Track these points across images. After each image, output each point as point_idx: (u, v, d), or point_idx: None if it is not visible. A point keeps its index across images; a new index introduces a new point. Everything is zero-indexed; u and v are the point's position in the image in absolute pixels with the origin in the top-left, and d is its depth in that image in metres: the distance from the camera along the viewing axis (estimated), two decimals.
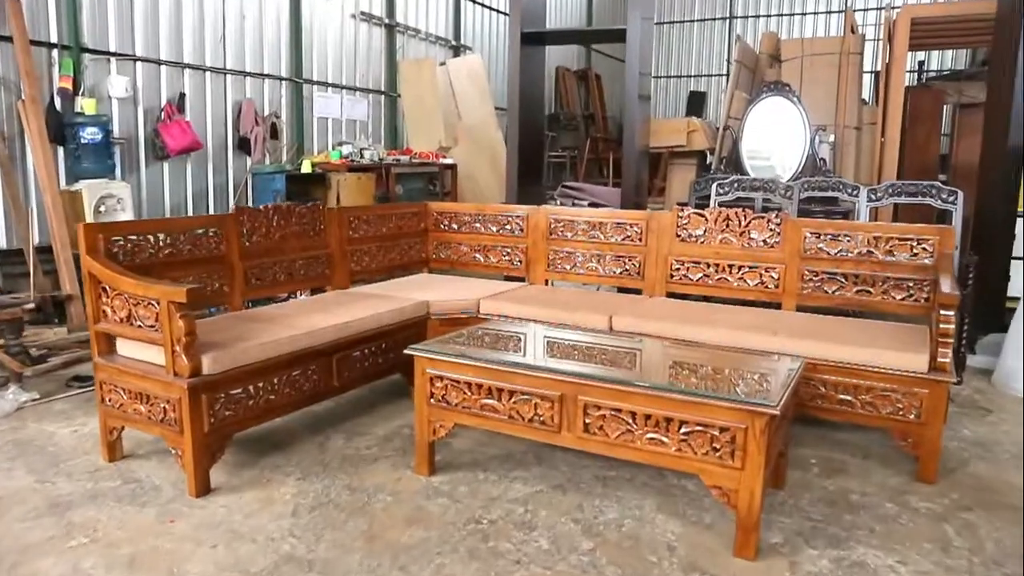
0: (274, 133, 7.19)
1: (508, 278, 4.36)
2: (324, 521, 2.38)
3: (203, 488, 2.56)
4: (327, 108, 7.97)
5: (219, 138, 6.64)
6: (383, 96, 8.79)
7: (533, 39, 5.46)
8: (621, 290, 4.15)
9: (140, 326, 2.58)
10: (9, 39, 4.81)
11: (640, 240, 3.80)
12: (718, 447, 2.12)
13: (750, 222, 3.49)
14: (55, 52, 5.15)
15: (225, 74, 6.62)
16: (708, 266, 3.60)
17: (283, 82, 7.29)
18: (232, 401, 2.62)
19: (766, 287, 3.47)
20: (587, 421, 2.31)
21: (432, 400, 2.63)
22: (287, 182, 6.75)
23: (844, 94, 6.72)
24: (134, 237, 2.88)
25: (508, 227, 4.21)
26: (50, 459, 2.87)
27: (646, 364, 2.65)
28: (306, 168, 6.89)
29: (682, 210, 3.70)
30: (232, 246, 3.25)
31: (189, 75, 6.26)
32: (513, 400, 2.45)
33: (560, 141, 12.35)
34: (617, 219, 3.88)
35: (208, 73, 6.44)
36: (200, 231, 3.12)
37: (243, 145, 6.85)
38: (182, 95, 6.15)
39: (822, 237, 3.37)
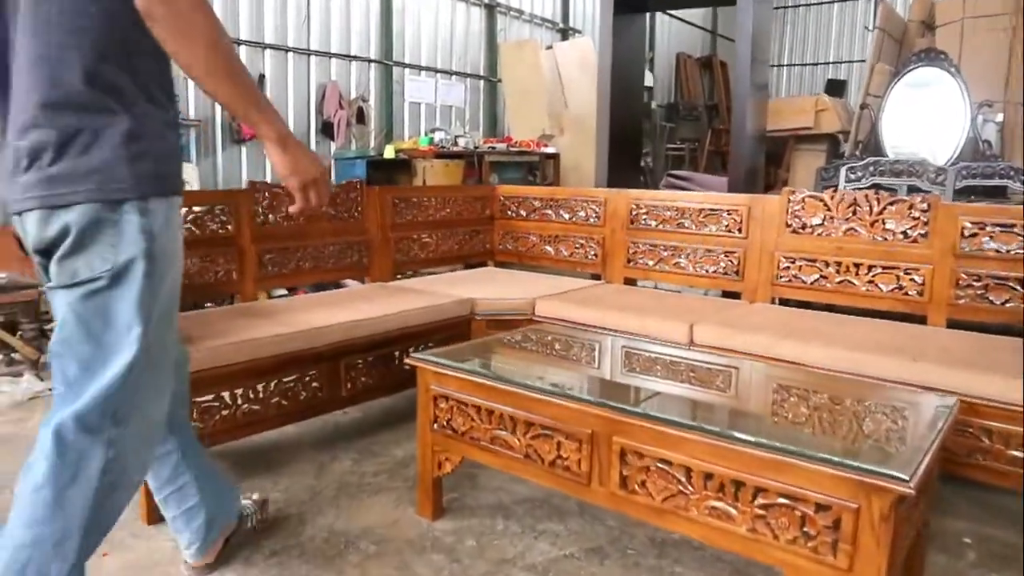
0: (361, 118, 6.87)
1: (594, 276, 3.69)
2: (278, 575, 1.84)
3: (156, 515, 2.09)
4: (419, 92, 7.58)
5: (301, 122, 6.38)
6: (482, 81, 8.32)
7: (629, 5, 4.76)
8: (725, 294, 3.40)
9: None
10: None
11: (740, 231, 3.03)
12: (812, 533, 1.39)
13: (885, 207, 2.65)
14: None
15: (309, 55, 6.35)
16: (827, 265, 2.79)
17: (372, 64, 6.95)
18: (200, 411, 2.15)
19: (905, 294, 2.62)
20: (624, 473, 1.64)
21: (436, 425, 2.04)
22: (369, 168, 6.41)
23: (1016, 64, 5.51)
24: None
25: (582, 213, 3.55)
26: (21, 460, 2.53)
27: (717, 396, 1.93)
28: (389, 154, 6.51)
29: (794, 193, 2.90)
30: (243, 227, 2.80)
31: (270, 56, 6.02)
32: (530, 435, 1.82)
33: (679, 132, 11.43)
34: (711, 204, 3.13)
35: (290, 54, 6.18)
36: (202, 208, 2.69)
37: (326, 129, 6.57)
38: (261, 76, 5.92)
39: (987, 228, 2.48)
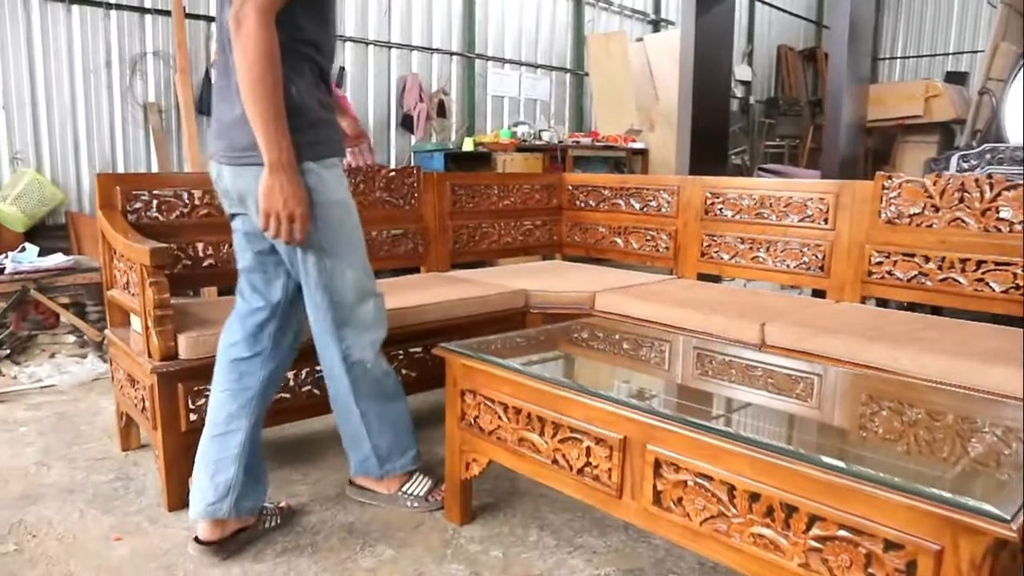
0: (442, 111, 6.80)
1: (665, 271, 3.43)
2: (282, 573, 1.72)
3: (178, 501, 2.02)
4: (503, 86, 7.45)
5: (381, 114, 6.37)
6: (568, 74, 8.10)
7: None
8: (815, 293, 3.06)
9: (133, 294, 2.12)
10: (168, 13, 4.81)
11: (825, 221, 2.70)
12: (879, 575, 1.12)
13: (999, 193, 2.27)
14: (212, 26, 5.10)
15: (390, 48, 6.33)
16: (927, 260, 2.43)
17: (453, 57, 6.87)
18: None
19: None
20: (659, 487, 1.41)
21: (463, 422, 1.87)
22: (448, 161, 6.33)
23: None
24: (162, 192, 2.45)
25: (654, 203, 3.29)
26: (71, 439, 2.55)
27: (775, 403, 1.66)
28: (467, 146, 6.41)
29: (889, 178, 2.55)
30: None
31: (350, 48, 6.03)
32: (558, 438, 1.61)
33: (779, 129, 10.82)
34: (793, 191, 2.81)
35: (371, 47, 6.18)
36: None
37: (406, 122, 6.54)
38: (341, 69, 5.94)
39: None
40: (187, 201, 2.48)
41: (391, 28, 6.30)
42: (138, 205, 2.39)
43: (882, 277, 2.54)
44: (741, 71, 10.26)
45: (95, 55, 4.63)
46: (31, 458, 2.40)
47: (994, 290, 2.27)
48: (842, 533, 1.15)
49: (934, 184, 2.43)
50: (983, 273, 2.29)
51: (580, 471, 1.56)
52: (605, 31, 8.15)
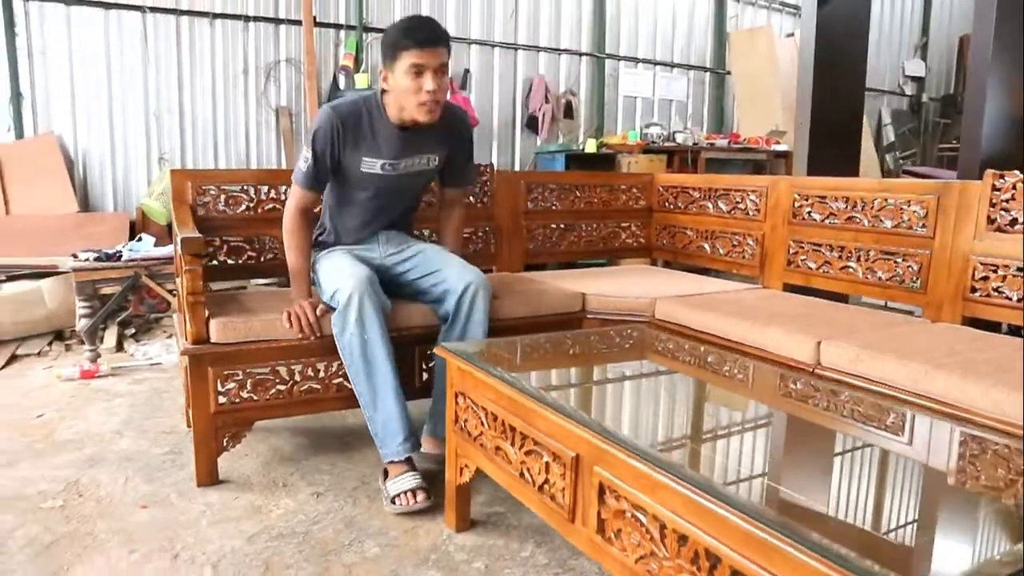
0: (569, 112, 6.74)
1: (751, 279, 3.16)
2: (266, 559, 1.75)
3: (206, 478, 2.14)
4: (635, 86, 7.25)
5: (506, 116, 6.42)
6: (707, 73, 7.73)
7: None
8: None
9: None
10: (299, 22, 5.14)
11: (923, 227, 2.34)
12: None
13: None
14: (342, 33, 5.39)
15: (516, 50, 6.36)
16: None
17: (583, 58, 6.78)
18: (255, 382, 2.14)
19: None
20: (602, 515, 1.27)
21: (456, 426, 1.81)
22: (570, 162, 6.26)
23: None
24: (229, 187, 2.60)
25: (741, 206, 3.03)
26: (151, 412, 2.78)
27: (749, 438, 1.43)
28: (590, 148, 6.30)
29: (1002, 177, 2.16)
30: None
31: (476, 51, 6.13)
32: (525, 449, 1.51)
33: (956, 129, 9.65)
34: (886, 194, 2.46)
35: (497, 49, 6.24)
36: None
37: (532, 124, 6.54)
38: (466, 72, 6.05)
39: None
40: (252, 196, 2.62)
41: (517, 30, 6.33)
42: (207, 199, 2.56)
43: (987, 295, 2.16)
44: (912, 66, 9.27)
45: (234, 63, 5.07)
46: (112, 426, 2.64)
47: None
48: None
49: None
50: None
51: (540, 488, 1.44)
52: (750, 26, 7.69)
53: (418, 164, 2.29)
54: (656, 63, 7.31)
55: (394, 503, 1.98)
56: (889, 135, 9.10)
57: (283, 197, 2.62)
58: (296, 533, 1.87)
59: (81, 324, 3.31)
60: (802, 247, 2.75)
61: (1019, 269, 2.08)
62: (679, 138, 7.07)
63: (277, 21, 5.15)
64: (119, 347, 3.73)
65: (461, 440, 1.79)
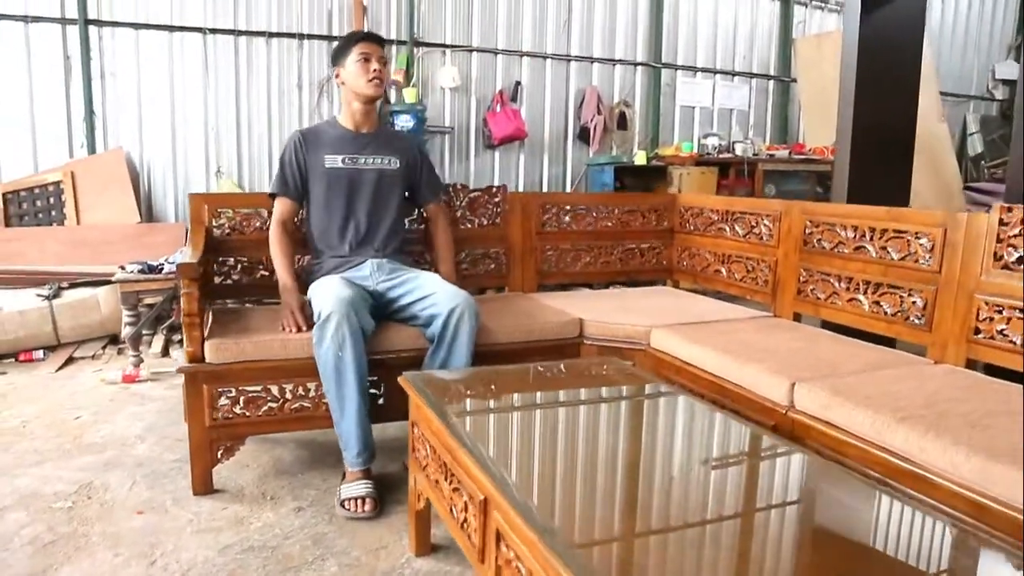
0: (623, 123, 6.67)
1: (764, 307, 3.06)
2: (231, 571, 1.84)
3: (202, 487, 2.27)
4: (693, 95, 7.10)
5: (557, 127, 6.42)
6: (771, 81, 7.49)
7: None
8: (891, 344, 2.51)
9: None
10: None
11: (929, 260, 2.23)
12: None
13: None
14: (393, 48, 5.54)
15: (568, 61, 6.35)
16: None
17: (637, 68, 6.70)
18: (247, 399, 2.26)
19: None
20: (499, 561, 1.29)
21: (412, 455, 1.86)
22: (619, 174, 6.20)
23: None
24: (243, 210, 2.74)
25: (756, 231, 2.96)
26: (174, 420, 2.95)
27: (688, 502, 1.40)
28: (639, 160, 6.22)
29: (1010, 210, 2.02)
30: None
31: (527, 63, 6.16)
32: (452, 485, 1.54)
33: None
34: (895, 224, 2.34)
35: (548, 60, 6.26)
36: None
37: (584, 135, 6.52)
38: (517, 83, 6.09)
39: None
40: (265, 217, 2.75)
41: (570, 41, 6.32)
42: (223, 221, 2.71)
43: (991, 337, 2.04)
44: (1004, 68, 8.69)
45: (288, 79, 5.30)
46: (136, 431, 2.83)
47: None
48: None
49: None
50: None
51: (461, 525, 1.47)
52: (818, 32, 7.40)
53: (377, 162, 2.59)
54: (716, 71, 7.14)
55: (343, 506, 2.14)
56: (976, 144, 8.56)
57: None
58: (267, 547, 1.97)
59: (126, 331, 3.55)
60: (812, 276, 2.66)
61: (1022, 311, 1.95)
62: (738, 149, 6.88)
63: (330, 38, 5.35)
64: (165, 352, 3.97)
65: (416, 468, 1.84)
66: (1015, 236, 2.00)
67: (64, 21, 4.78)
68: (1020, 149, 3.08)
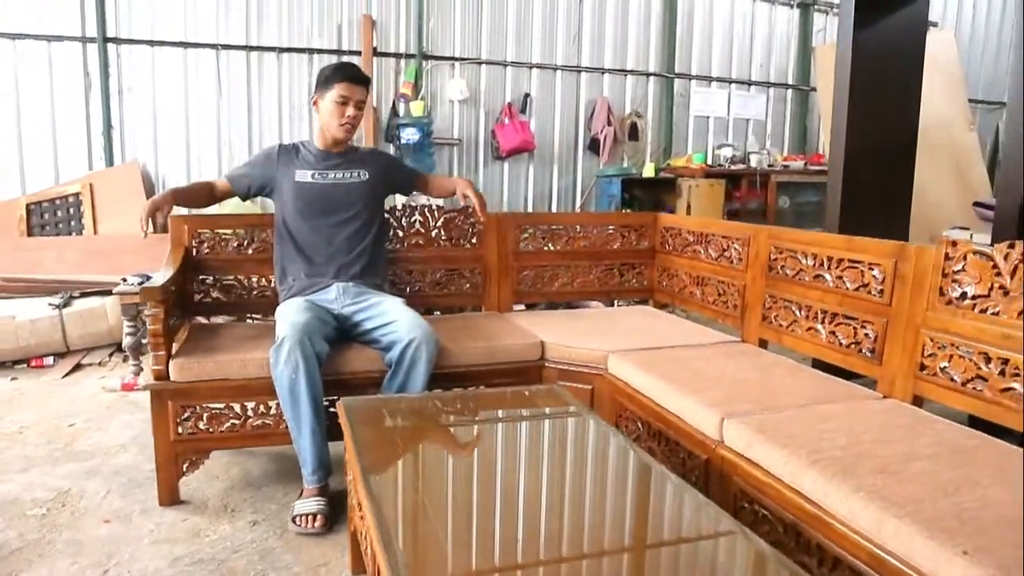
0: (634, 134, 6.67)
1: (732, 331, 3.05)
2: None
3: (167, 498, 2.39)
4: (707, 105, 7.06)
5: (567, 139, 6.46)
6: (789, 90, 7.41)
7: None
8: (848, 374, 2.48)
9: None
10: (360, 53, 5.44)
11: (879, 294, 2.21)
12: None
13: None
14: (402, 61, 5.64)
15: (579, 72, 6.38)
16: (987, 360, 1.88)
17: (650, 78, 6.69)
18: (211, 416, 2.36)
19: None
20: None
21: (347, 477, 1.93)
22: (628, 186, 6.21)
23: None
24: (221, 232, 2.85)
25: (727, 254, 2.96)
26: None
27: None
28: (648, 172, 6.23)
29: (954, 244, 2.01)
30: None
31: (537, 74, 6.21)
32: (362, 517, 1.60)
33: None
34: (851, 253, 2.33)
35: (558, 72, 6.29)
36: None
37: (594, 146, 6.54)
38: (526, 96, 6.14)
39: None
40: (242, 238, 2.85)
41: (581, 52, 6.35)
42: (202, 242, 2.82)
43: (934, 374, 2.02)
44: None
45: (299, 93, 5.44)
46: (122, 440, 2.97)
47: None
48: None
49: (1005, 258, 1.87)
50: None
51: (372, 560, 1.54)
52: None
53: (347, 177, 2.73)
54: (731, 81, 7.09)
55: (294, 522, 2.23)
56: None
57: (269, 239, 2.84)
58: (215, 560, 2.06)
59: (126, 341, 3.70)
60: (776, 302, 2.66)
61: (964, 350, 1.93)
62: (753, 160, 6.83)
63: (340, 52, 5.47)
64: None
65: (351, 490, 1.91)
66: (959, 272, 1.98)
67: (84, 40, 5.00)
68: (1009, 170, 3.01)
